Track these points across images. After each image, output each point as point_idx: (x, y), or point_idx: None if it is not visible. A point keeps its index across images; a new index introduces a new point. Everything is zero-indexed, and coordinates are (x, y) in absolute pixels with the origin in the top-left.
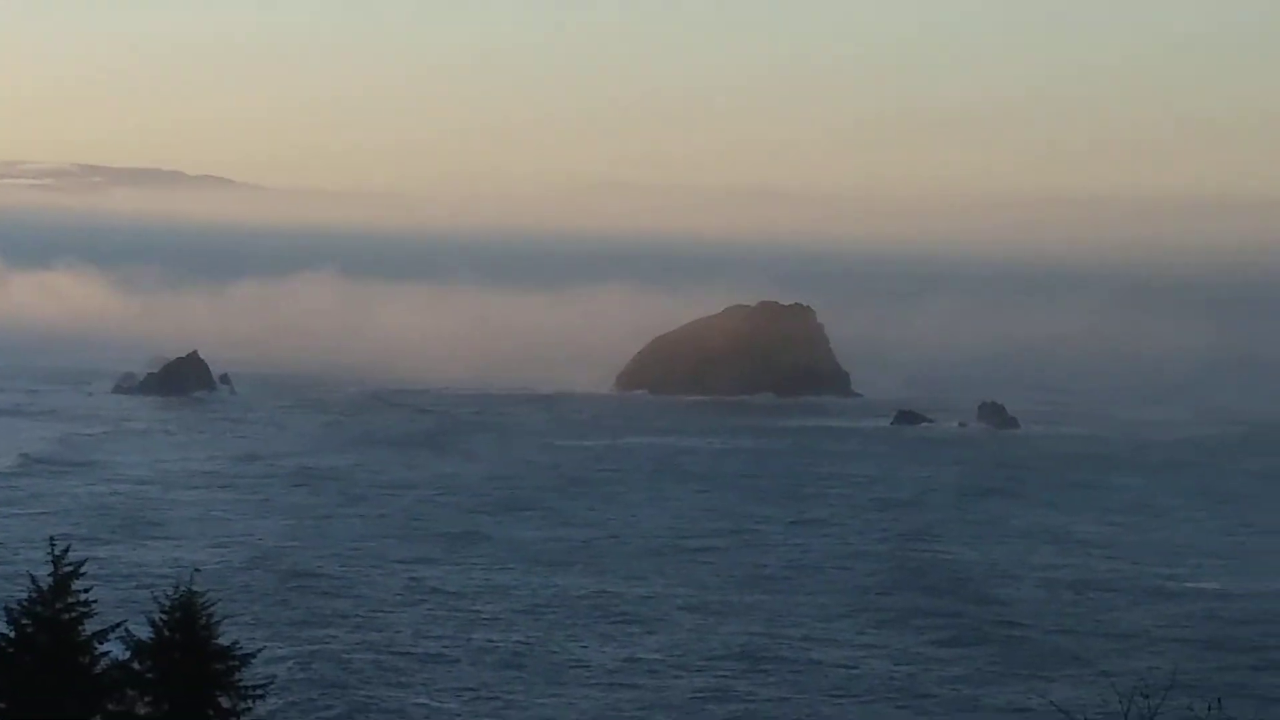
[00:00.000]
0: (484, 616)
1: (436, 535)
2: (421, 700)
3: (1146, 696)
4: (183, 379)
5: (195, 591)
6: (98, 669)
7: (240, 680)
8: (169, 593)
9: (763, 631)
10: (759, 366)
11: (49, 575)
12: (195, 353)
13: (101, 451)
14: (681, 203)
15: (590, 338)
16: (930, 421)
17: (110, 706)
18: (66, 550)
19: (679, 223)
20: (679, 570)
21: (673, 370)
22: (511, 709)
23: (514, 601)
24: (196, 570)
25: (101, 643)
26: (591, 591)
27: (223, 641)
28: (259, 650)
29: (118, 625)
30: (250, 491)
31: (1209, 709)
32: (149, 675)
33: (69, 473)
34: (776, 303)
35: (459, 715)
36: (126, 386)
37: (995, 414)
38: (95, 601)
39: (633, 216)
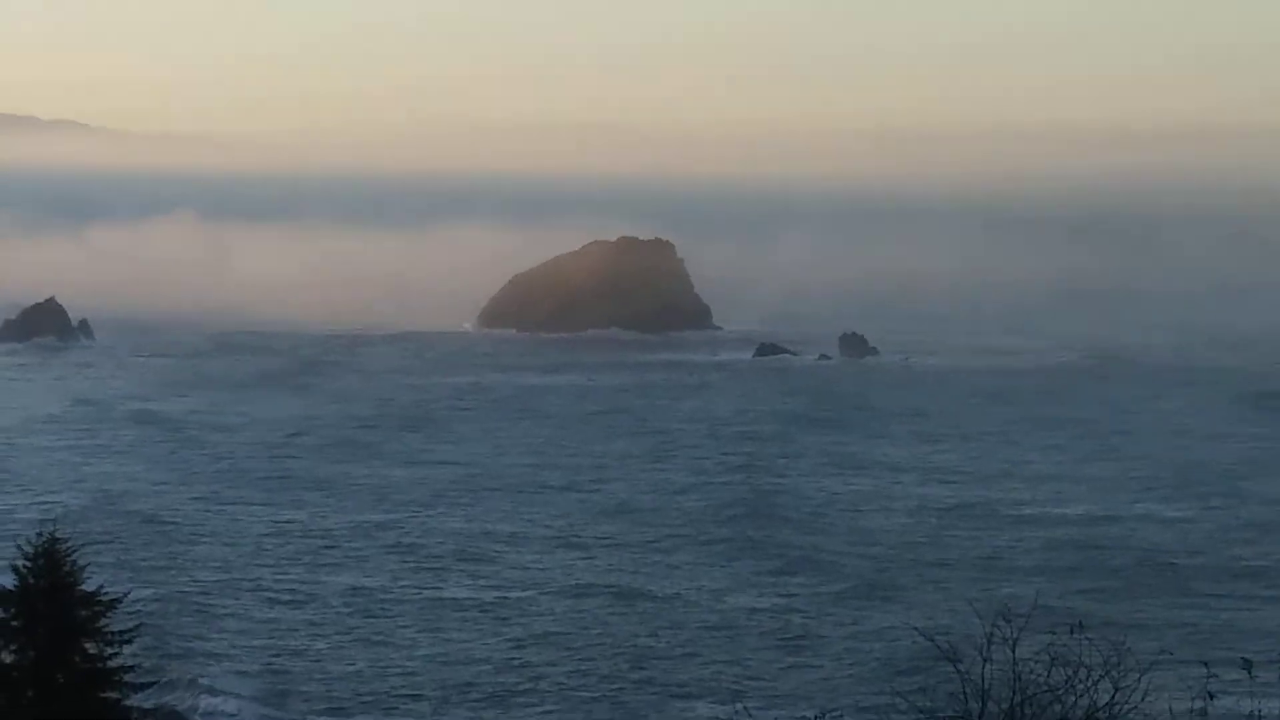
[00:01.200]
0: (349, 558)
1: (296, 477)
2: (290, 643)
3: (1009, 621)
4: (39, 326)
5: (58, 538)
6: None
7: (106, 626)
8: (31, 540)
9: (627, 567)
10: (620, 302)
11: None
12: (53, 299)
13: None
14: (536, 141)
15: (450, 277)
16: (792, 354)
17: None
18: None
19: (535, 162)
20: (543, 507)
21: (534, 308)
22: (383, 647)
23: (376, 541)
24: (55, 518)
25: None
26: (455, 530)
27: (87, 588)
28: (125, 595)
29: None
30: (102, 437)
31: (1070, 632)
32: (13, 623)
33: None
34: (636, 238)
35: (329, 657)
36: None
37: (856, 345)
38: None
39: (488, 157)
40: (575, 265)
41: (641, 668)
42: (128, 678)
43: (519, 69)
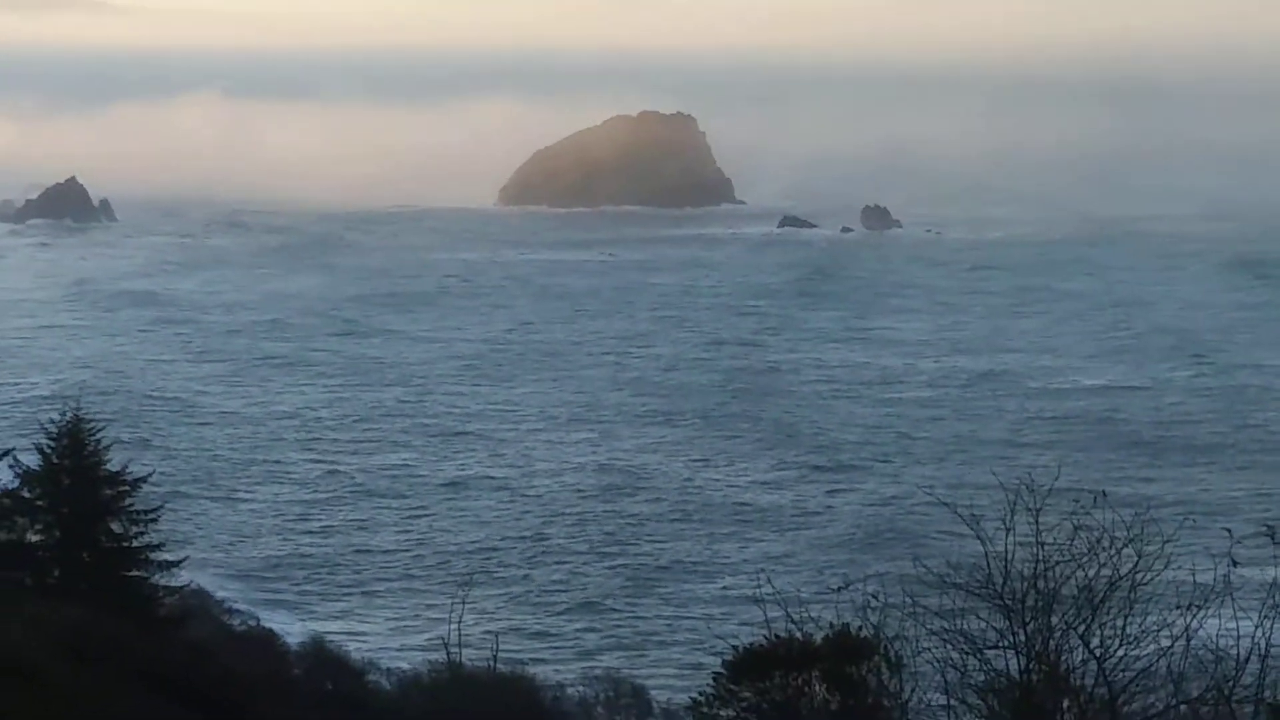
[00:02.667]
0: (368, 438)
1: (310, 355)
2: (312, 524)
3: (1032, 491)
4: (60, 205)
5: (81, 418)
6: None
7: (130, 505)
8: (55, 419)
9: (631, 445)
10: (642, 178)
11: None
12: (74, 179)
13: None
14: (559, 14)
15: (472, 153)
16: (814, 227)
17: (0, 534)
18: None
19: (557, 35)
20: (556, 384)
21: (555, 183)
22: (411, 519)
23: (395, 421)
24: (77, 397)
25: None
26: (475, 410)
27: (110, 467)
28: (149, 475)
29: (5, 453)
30: (120, 317)
31: (1094, 500)
32: (39, 502)
33: None
34: (658, 113)
35: (354, 537)
36: (3, 214)
37: (879, 217)
38: None
39: (511, 30)
40: (597, 140)
41: (648, 542)
42: (152, 556)
43: None
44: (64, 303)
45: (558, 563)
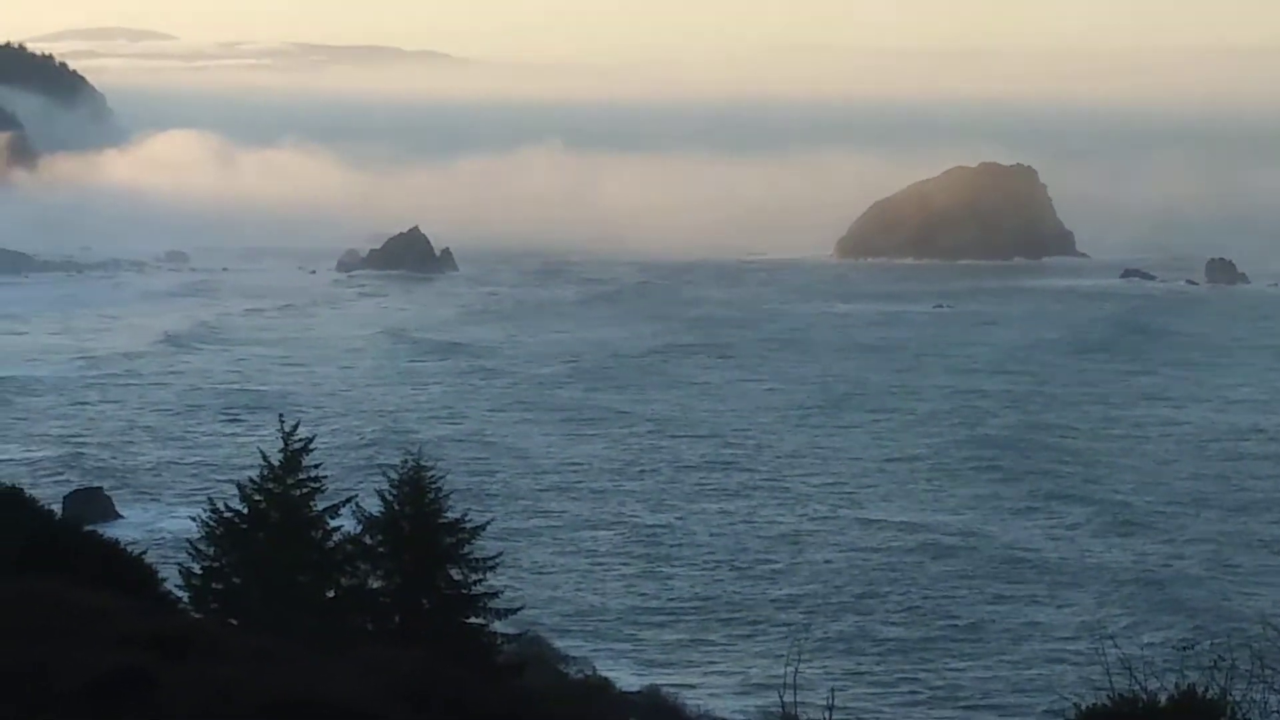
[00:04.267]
0: (704, 489)
1: (637, 407)
2: (651, 570)
3: None
4: (402, 255)
5: (423, 465)
6: (330, 543)
7: (470, 553)
8: (397, 467)
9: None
10: (982, 229)
11: (279, 451)
12: (416, 228)
13: (277, 329)
14: (892, 66)
15: (811, 204)
16: (1157, 279)
17: (342, 580)
18: (296, 427)
19: (894, 87)
20: (897, 432)
21: (893, 234)
22: (744, 569)
23: (730, 474)
24: (418, 446)
25: (333, 517)
26: (814, 443)
27: (450, 515)
28: (487, 523)
29: (348, 500)
30: (460, 366)
31: None
32: (380, 549)
33: (201, 350)
34: (998, 164)
35: (697, 585)
36: (349, 263)
37: (1224, 271)
38: (326, 477)
39: (846, 81)
40: (936, 191)
41: (970, 598)
42: (491, 603)
43: None
44: (371, 350)
45: (887, 614)
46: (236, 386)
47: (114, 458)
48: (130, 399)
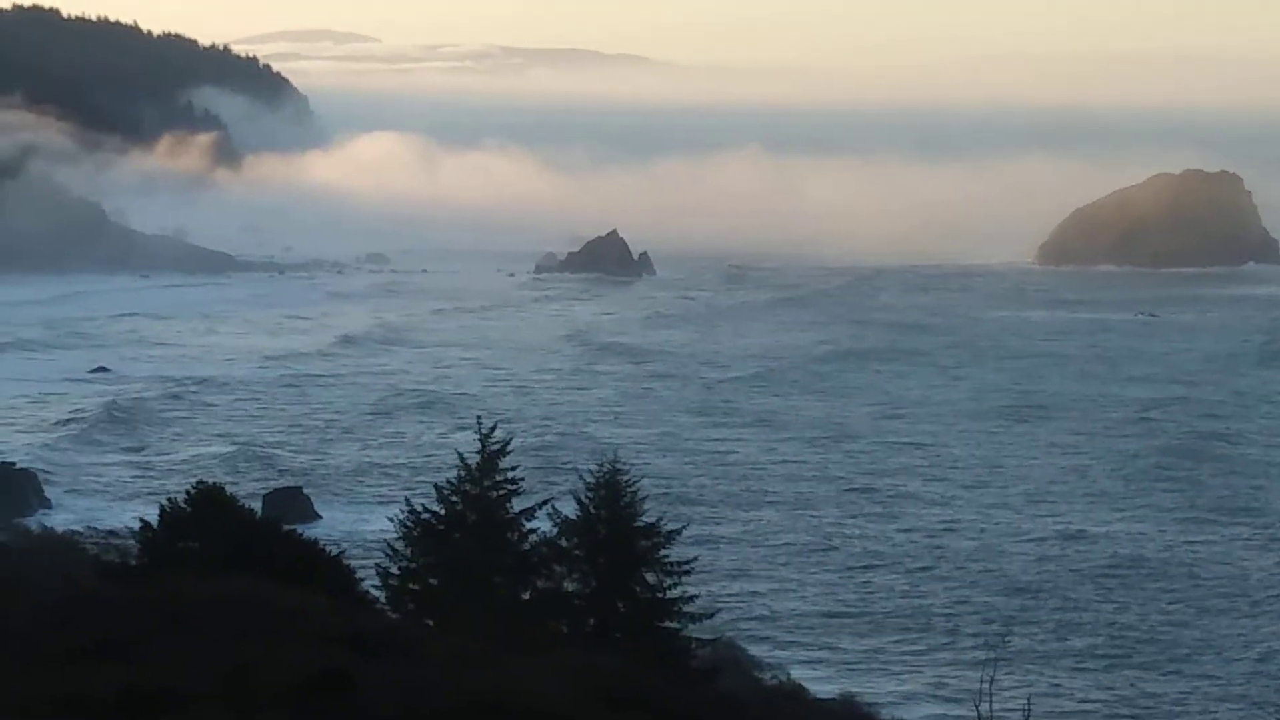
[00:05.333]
0: (887, 494)
1: (809, 409)
2: (855, 581)
3: None
4: (600, 258)
5: (619, 469)
6: (526, 546)
7: (666, 557)
8: (593, 470)
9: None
10: (1185, 236)
11: (477, 453)
12: (614, 232)
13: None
14: (1094, 72)
15: (1012, 210)
16: None
17: (538, 583)
18: (493, 429)
19: (1095, 93)
20: (1091, 439)
21: (1095, 241)
22: (940, 577)
23: (912, 481)
24: (614, 450)
25: (529, 520)
26: (971, 457)
27: (647, 519)
28: (683, 527)
29: (545, 503)
30: (593, 369)
31: None
32: (576, 552)
33: (392, 351)
34: (1202, 171)
35: (895, 586)
36: (547, 265)
37: None
38: (522, 479)
39: (1047, 87)
40: (1138, 198)
41: (1172, 615)
42: (686, 608)
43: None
44: (557, 352)
45: (1084, 625)
46: (426, 387)
47: (311, 457)
48: (323, 399)
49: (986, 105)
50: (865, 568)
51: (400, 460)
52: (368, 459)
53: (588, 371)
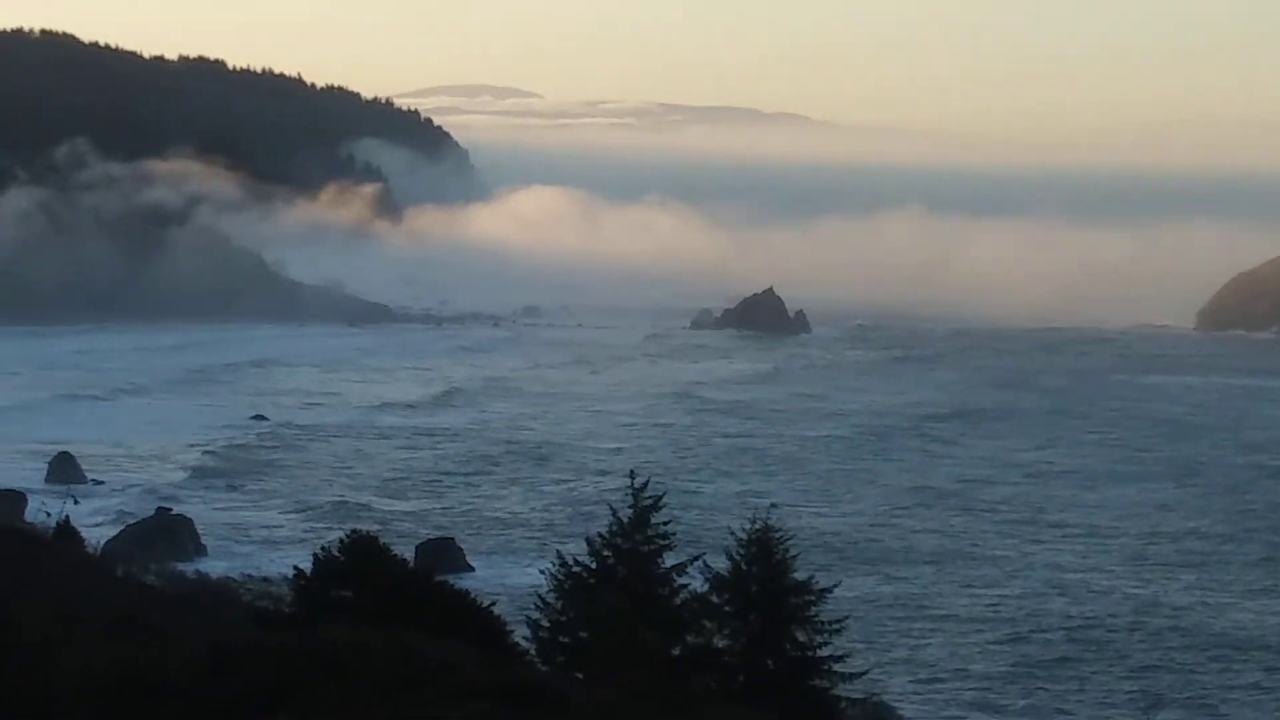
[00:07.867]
0: (1019, 557)
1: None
2: (1001, 633)
3: None
4: (758, 315)
5: (771, 526)
6: (676, 601)
7: (816, 615)
8: (745, 527)
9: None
10: None
11: (629, 508)
12: (770, 289)
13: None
14: (1261, 137)
15: (1171, 274)
16: None
17: (688, 638)
18: (646, 484)
19: (1263, 157)
20: (1238, 512)
21: (1256, 307)
22: (1095, 636)
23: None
24: (767, 506)
25: (680, 575)
26: (1164, 519)
27: (798, 576)
28: (835, 585)
29: (696, 558)
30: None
31: None
32: (726, 608)
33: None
34: None
35: (1048, 640)
36: (703, 322)
37: None
38: (674, 534)
39: (1216, 152)
40: None
41: None
42: (837, 667)
43: (1237, 64)
44: (663, 407)
45: (1243, 692)
46: (567, 440)
47: (460, 508)
48: (473, 449)
49: (1152, 169)
50: (1015, 628)
51: (549, 510)
52: (515, 510)
53: (689, 424)
